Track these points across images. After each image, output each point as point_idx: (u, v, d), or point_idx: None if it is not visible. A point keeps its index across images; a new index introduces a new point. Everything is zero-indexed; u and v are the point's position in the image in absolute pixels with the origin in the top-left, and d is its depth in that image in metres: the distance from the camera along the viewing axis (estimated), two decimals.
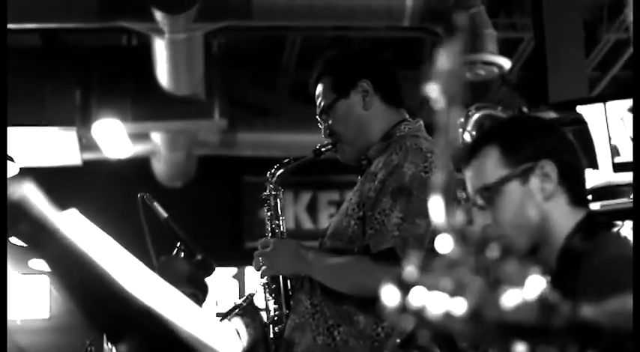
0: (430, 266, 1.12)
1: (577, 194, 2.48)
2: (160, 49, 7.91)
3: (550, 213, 2.42)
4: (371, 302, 3.20)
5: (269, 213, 3.55)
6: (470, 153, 2.50)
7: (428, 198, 3.34)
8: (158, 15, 7.26)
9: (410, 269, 1.13)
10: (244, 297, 3.53)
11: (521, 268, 1.10)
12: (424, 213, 3.18)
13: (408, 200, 3.20)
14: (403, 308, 1.13)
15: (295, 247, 3.42)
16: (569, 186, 2.44)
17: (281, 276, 3.47)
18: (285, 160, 3.60)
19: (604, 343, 1.11)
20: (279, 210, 3.56)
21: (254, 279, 3.32)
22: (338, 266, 3.31)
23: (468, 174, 2.50)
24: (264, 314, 3.48)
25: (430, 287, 1.12)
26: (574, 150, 2.56)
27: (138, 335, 1.55)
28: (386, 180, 3.26)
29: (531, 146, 2.46)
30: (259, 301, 3.50)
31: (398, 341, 2.73)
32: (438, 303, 1.11)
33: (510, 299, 1.09)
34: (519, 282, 1.10)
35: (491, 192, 2.42)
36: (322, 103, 3.50)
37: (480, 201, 2.43)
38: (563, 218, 2.42)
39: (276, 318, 3.45)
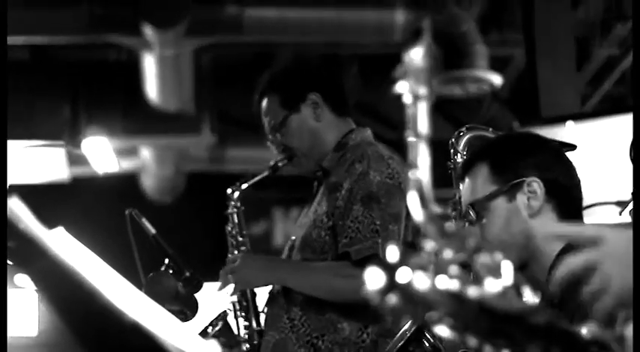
0: (408, 260, 1.15)
1: (567, 211, 2.48)
2: (150, 64, 7.90)
3: (536, 230, 2.42)
4: (354, 309, 3.22)
5: (233, 231, 3.58)
6: (463, 171, 2.54)
7: (395, 204, 3.41)
8: (148, 30, 7.26)
9: (393, 250, 1.15)
10: (216, 316, 3.52)
11: (496, 259, 1.15)
12: (395, 219, 3.27)
13: (379, 207, 3.24)
14: (388, 288, 1.15)
15: (265, 258, 3.51)
16: (557, 203, 2.46)
17: (249, 292, 3.46)
18: (244, 179, 3.67)
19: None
20: (243, 227, 3.60)
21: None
22: (317, 272, 3.32)
23: (462, 191, 2.54)
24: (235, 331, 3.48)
25: (414, 267, 1.14)
26: (566, 167, 2.57)
27: None
28: (353, 188, 3.31)
29: (519, 163, 2.49)
30: (230, 319, 3.50)
31: (400, 344, 2.74)
32: (423, 281, 1.13)
33: (490, 286, 1.13)
34: (496, 273, 1.14)
35: (478, 208, 2.45)
36: (272, 121, 3.57)
37: (471, 217, 2.45)
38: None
39: (247, 336, 3.44)
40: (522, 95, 7.69)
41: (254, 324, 3.44)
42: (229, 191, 3.60)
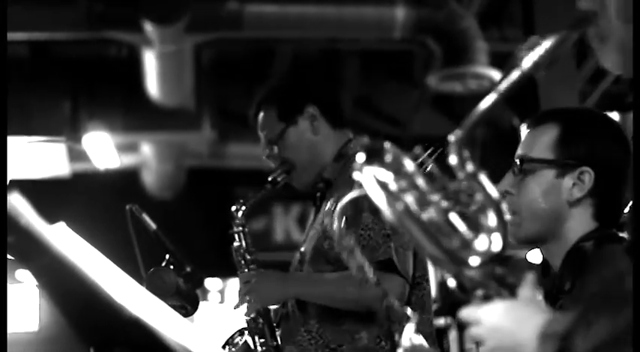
0: None
1: (605, 213, 2.41)
2: (150, 60, 7.90)
3: (568, 217, 2.36)
4: (371, 317, 3.19)
5: (241, 250, 3.52)
6: (535, 121, 2.47)
7: None
8: (148, 26, 7.25)
9: None
10: (236, 332, 3.49)
11: None
12: None
13: None
14: None
15: (279, 274, 3.40)
16: (598, 202, 2.39)
17: (262, 308, 3.40)
18: (246, 197, 3.58)
19: None
20: (250, 245, 3.53)
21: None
22: (331, 283, 3.28)
23: (523, 137, 2.47)
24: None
25: None
26: (623, 156, 2.41)
27: (126, 347, 1.54)
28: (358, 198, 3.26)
29: (584, 147, 2.38)
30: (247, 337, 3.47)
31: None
32: None
33: None
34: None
35: (525, 166, 2.40)
36: (269, 134, 3.54)
37: (515, 168, 2.42)
38: (581, 227, 2.38)
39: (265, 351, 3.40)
40: (522, 92, 7.70)
41: (270, 340, 3.39)
42: (233, 209, 3.55)
